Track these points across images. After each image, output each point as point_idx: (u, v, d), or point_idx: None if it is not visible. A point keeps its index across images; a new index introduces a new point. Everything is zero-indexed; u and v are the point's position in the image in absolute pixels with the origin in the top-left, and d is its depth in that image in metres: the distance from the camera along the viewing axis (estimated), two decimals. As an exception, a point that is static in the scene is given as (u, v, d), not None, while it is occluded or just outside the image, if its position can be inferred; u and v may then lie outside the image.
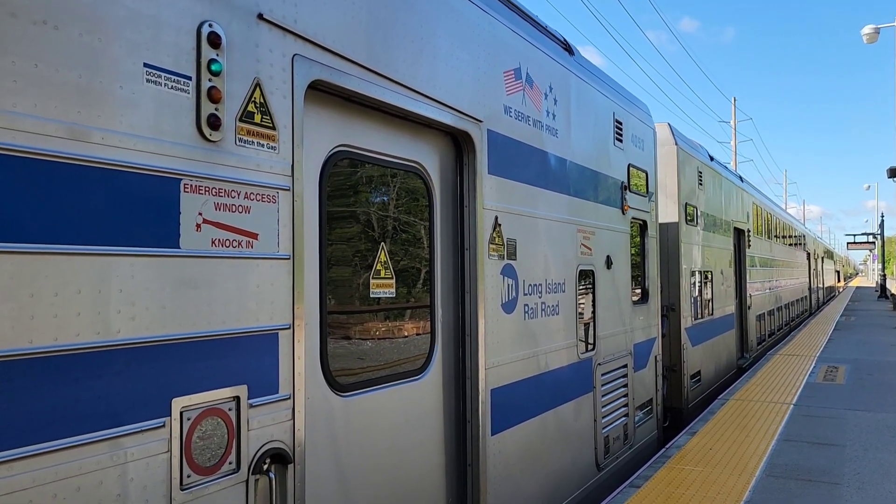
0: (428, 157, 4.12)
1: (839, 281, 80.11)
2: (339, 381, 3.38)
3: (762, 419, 8.29)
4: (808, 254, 29.87)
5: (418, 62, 3.84)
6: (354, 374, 3.54)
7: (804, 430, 7.82)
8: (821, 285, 38.41)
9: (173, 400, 2.42)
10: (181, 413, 2.44)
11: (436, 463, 4.11)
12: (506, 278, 4.67)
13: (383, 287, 3.71)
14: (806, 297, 27.75)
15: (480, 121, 4.41)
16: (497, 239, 4.57)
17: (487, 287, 4.42)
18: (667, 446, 7.27)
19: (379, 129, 3.71)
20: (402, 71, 3.70)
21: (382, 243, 3.73)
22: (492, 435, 4.43)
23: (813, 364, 12.68)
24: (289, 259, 2.91)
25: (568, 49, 5.96)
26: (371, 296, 3.64)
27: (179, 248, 2.46)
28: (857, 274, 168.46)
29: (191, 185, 2.50)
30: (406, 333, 3.93)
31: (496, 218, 4.56)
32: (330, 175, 3.38)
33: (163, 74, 2.42)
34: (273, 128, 2.86)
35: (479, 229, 4.35)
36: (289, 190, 2.92)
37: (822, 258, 41.53)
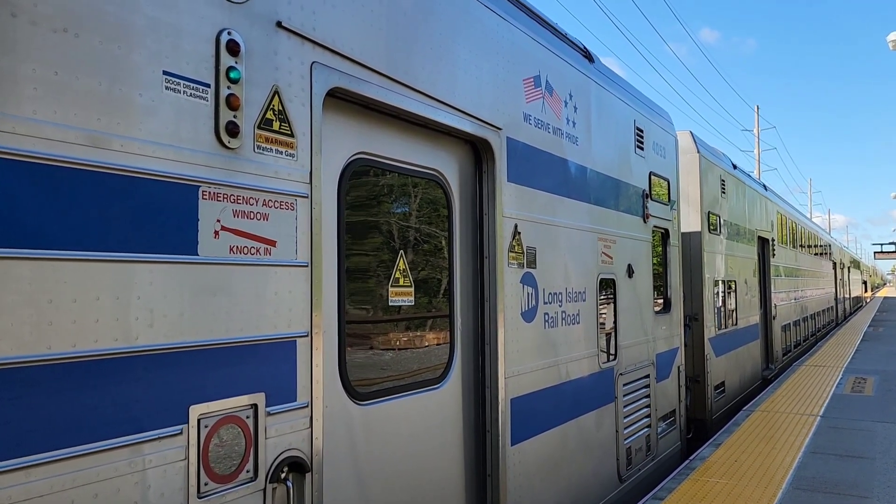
0: (447, 165, 4.10)
1: (866, 291, 78.84)
2: (357, 389, 3.36)
3: (788, 431, 8.14)
4: (834, 263, 29.41)
5: (437, 70, 3.83)
6: (373, 382, 3.52)
7: (832, 442, 7.65)
8: (847, 295, 37.79)
9: (191, 407, 2.41)
10: (199, 420, 2.44)
11: (455, 472, 4.07)
12: (525, 287, 4.63)
13: (402, 295, 3.69)
14: (832, 307, 27.31)
15: (500, 128, 4.39)
16: (517, 247, 4.54)
17: (507, 296, 4.39)
18: (691, 458, 7.18)
19: (398, 136, 3.71)
20: (422, 79, 3.69)
21: (401, 251, 3.71)
22: (511, 445, 4.38)
23: (840, 375, 12.45)
24: (307, 266, 2.90)
25: (588, 57, 5.93)
26: (390, 304, 3.63)
27: (198, 255, 2.46)
28: (885, 284, 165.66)
29: (209, 193, 2.51)
30: (425, 342, 3.91)
31: (515, 226, 4.53)
32: (349, 182, 3.37)
33: (182, 82, 2.43)
34: (291, 135, 2.86)
35: (498, 237, 4.32)
36: (307, 197, 2.92)
37: (849, 268, 40.90)
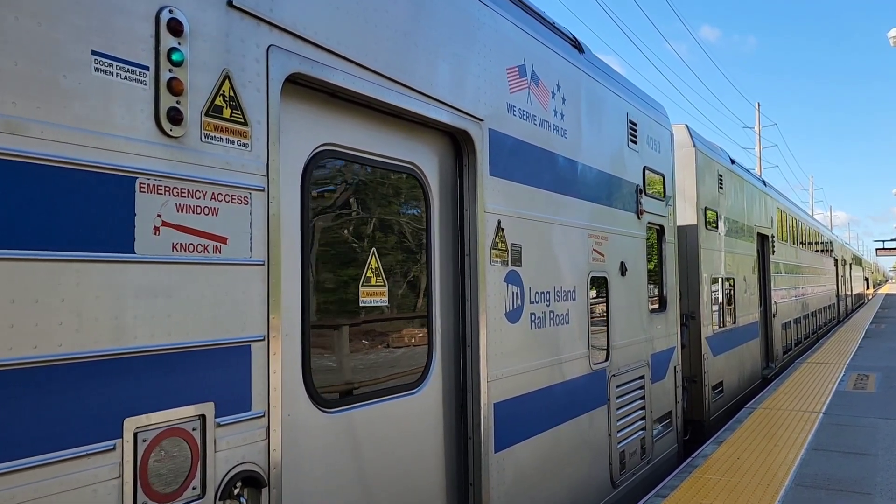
0: (424, 158, 3.89)
1: (868, 288, 78.54)
2: (324, 396, 3.15)
3: (791, 428, 8.08)
4: (836, 260, 29.16)
5: (412, 57, 3.62)
6: (343, 388, 3.31)
7: (834, 439, 7.59)
8: (849, 292, 37.53)
9: (126, 420, 2.20)
10: (135, 434, 2.23)
11: (434, 482, 3.87)
12: (510, 286, 4.42)
13: (374, 295, 3.48)
14: (833, 304, 27.06)
15: (481, 119, 4.18)
16: (500, 244, 4.33)
17: (489, 295, 4.18)
18: (693, 455, 7.09)
19: (369, 127, 3.50)
20: (394, 66, 3.48)
21: (374, 249, 3.50)
22: (495, 452, 4.17)
23: (842, 372, 12.38)
24: (263, 265, 2.69)
25: (577, 47, 5.71)
26: (361, 305, 3.42)
27: (134, 252, 2.25)
28: (887, 281, 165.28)
29: (148, 185, 2.29)
30: (400, 344, 3.70)
31: (499, 222, 4.32)
32: (314, 175, 3.16)
33: (115, 63, 2.22)
34: (245, 123, 2.65)
35: (479, 234, 4.11)
36: (263, 191, 2.71)
37: (850, 264, 40.65)
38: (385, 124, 3.60)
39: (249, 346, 2.62)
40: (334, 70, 3.10)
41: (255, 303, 2.65)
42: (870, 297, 59.44)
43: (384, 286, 3.54)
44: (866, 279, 75.18)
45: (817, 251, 22.73)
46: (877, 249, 53.04)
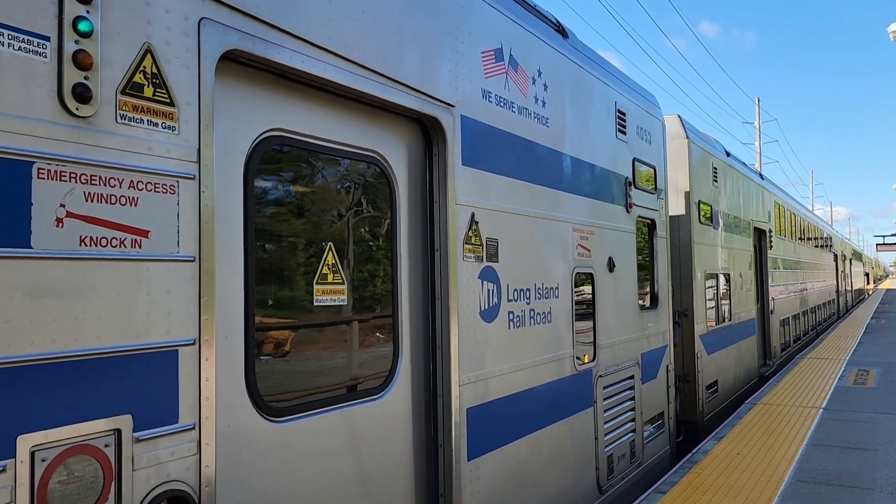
0: (389, 146, 3.63)
1: (868, 283, 78.23)
2: (272, 404, 2.89)
3: (791, 424, 8.04)
4: (836, 255, 28.88)
5: (372, 37, 3.35)
6: (295, 395, 3.05)
7: (834, 434, 7.56)
8: (849, 288, 37.25)
9: (19, 437, 1.94)
10: (32, 453, 1.97)
11: (402, 494, 3.61)
12: (485, 283, 4.16)
13: (332, 294, 3.22)
14: (833, 300, 26.78)
15: (452, 105, 3.91)
16: (474, 238, 4.06)
17: (462, 293, 3.91)
18: (693, 451, 7.00)
19: (325, 112, 3.23)
20: (352, 45, 3.21)
21: (330, 244, 3.24)
22: (468, 460, 3.91)
23: (843, 367, 12.36)
24: (193, 261, 2.43)
25: (561, 31, 5.44)
26: (316, 304, 3.15)
27: (31, 247, 1.99)
28: (888, 276, 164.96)
29: (48, 171, 2.03)
30: (362, 347, 3.44)
31: (472, 215, 4.05)
32: (259, 163, 2.90)
33: (6, 32, 1.95)
34: (171, 104, 2.38)
35: (451, 227, 3.84)
36: (193, 179, 2.44)
37: (851, 260, 40.36)
38: (344, 109, 3.33)
39: (176, 351, 2.36)
40: (281, 48, 2.83)
41: (182, 303, 2.38)
42: (870, 293, 59.16)
43: (343, 284, 3.28)
44: (867, 274, 74.91)
45: (817, 246, 22.44)
46: (877, 245, 52.79)
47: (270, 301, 2.95)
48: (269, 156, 2.97)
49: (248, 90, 2.84)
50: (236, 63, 2.76)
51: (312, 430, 3.06)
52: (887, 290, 65.87)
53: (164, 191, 2.35)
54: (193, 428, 2.40)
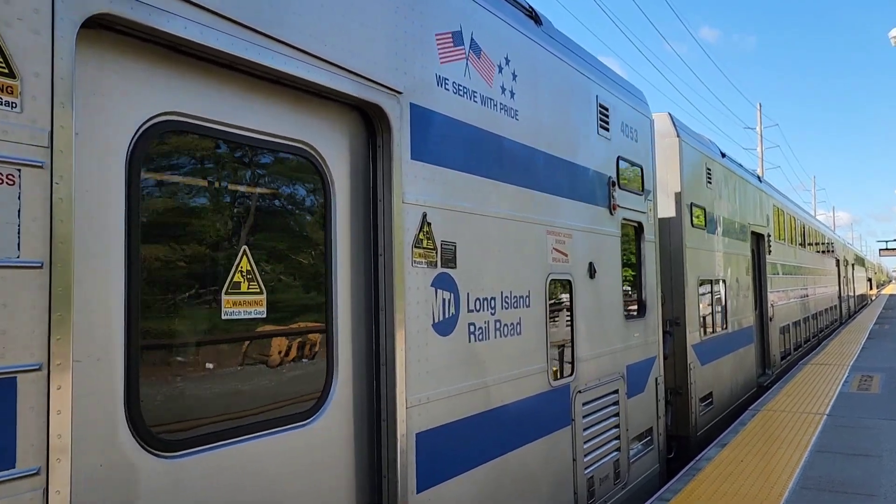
0: (322, 137, 3.19)
1: (871, 288, 77.57)
2: (162, 437, 2.44)
3: (794, 430, 7.91)
4: (838, 260, 28.37)
5: (295, 8, 2.91)
6: (195, 424, 2.60)
7: (838, 441, 7.43)
8: (852, 293, 36.70)
9: None
10: None
11: (338, 532, 3.15)
12: (440, 291, 3.71)
13: (246, 305, 2.77)
14: (836, 305, 26.26)
15: (399, 92, 3.47)
16: (426, 242, 3.62)
17: (410, 303, 3.47)
18: (696, 459, 6.88)
19: (238, 95, 2.79)
20: (266, 16, 2.77)
21: (245, 248, 2.79)
22: (417, 492, 3.45)
23: (846, 373, 12.22)
24: (41, 268, 1.99)
25: (534, 17, 5.00)
26: (225, 317, 2.71)
27: None
28: (891, 281, 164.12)
29: None
30: (285, 365, 2.99)
31: (424, 215, 3.61)
32: (150, 153, 2.46)
33: None
34: (11, 75, 1.95)
35: (397, 229, 3.40)
36: (42, 167, 2.00)
37: (853, 265, 39.83)
38: (262, 93, 2.89)
39: (14, 378, 1.92)
40: (171, 16, 2.39)
41: (24, 320, 1.94)
42: (873, 298, 58.59)
43: (261, 294, 2.83)
44: (869, 279, 74.30)
45: (818, 251, 21.95)
46: (880, 250, 52.32)
47: (162, 315, 2.50)
48: (165, 144, 2.54)
49: (131, 65, 2.41)
50: (117, 33, 2.33)
51: (215, 467, 2.61)
52: (890, 295, 65.30)
53: (1, 181, 1.91)
54: (38, 473, 1.95)
